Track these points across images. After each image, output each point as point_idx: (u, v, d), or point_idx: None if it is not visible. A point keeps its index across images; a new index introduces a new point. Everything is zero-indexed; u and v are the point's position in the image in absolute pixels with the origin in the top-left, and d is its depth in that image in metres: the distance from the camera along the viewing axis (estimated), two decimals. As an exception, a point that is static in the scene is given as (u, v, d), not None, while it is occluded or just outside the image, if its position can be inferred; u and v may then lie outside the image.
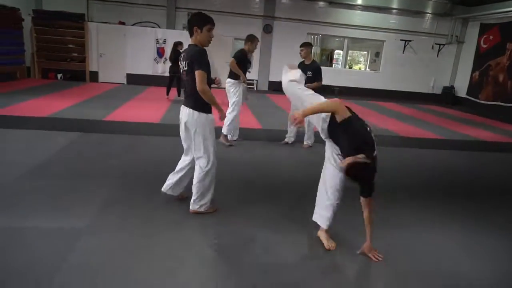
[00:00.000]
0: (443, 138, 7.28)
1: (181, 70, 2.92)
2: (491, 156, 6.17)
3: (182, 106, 2.99)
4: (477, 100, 13.00)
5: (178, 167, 3.23)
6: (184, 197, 3.28)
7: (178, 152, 4.80)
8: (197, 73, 2.74)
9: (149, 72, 11.77)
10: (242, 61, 5.29)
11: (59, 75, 11.34)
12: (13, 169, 3.66)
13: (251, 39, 5.31)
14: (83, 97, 8.44)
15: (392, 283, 2.39)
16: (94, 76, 11.61)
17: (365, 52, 17.26)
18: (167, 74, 9.64)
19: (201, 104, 2.85)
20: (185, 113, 2.93)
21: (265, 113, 8.29)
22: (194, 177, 3.01)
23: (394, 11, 13.39)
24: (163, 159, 4.47)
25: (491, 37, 12.61)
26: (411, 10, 13.26)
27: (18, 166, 3.76)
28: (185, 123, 2.95)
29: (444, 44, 13.90)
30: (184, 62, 2.85)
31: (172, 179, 3.21)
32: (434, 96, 14.34)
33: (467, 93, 13.58)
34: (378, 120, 8.64)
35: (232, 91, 5.33)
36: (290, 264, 2.49)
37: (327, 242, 2.70)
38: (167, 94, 9.27)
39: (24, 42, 10.73)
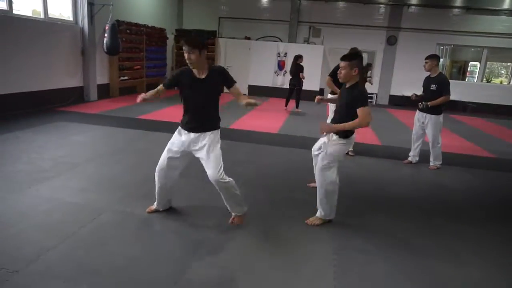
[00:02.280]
0: None
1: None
2: None
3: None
4: None
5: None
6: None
7: (294, 161, 4.95)
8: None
9: (269, 83, 12.36)
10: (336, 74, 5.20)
11: (191, 86, 12.76)
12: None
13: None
14: (210, 106, 9.32)
15: None
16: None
17: (509, 64, 14.93)
18: (286, 86, 10.00)
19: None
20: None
21: (384, 128, 7.86)
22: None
23: (552, 14, 11.31)
24: (281, 168, 4.63)
25: None
26: None
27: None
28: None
29: None
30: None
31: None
32: None
33: None
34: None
35: None
36: None
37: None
38: (286, 105, 9.58)
39: (167, 57, 12.44)
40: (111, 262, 2.38)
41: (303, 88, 9.44)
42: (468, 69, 15.22)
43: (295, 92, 9.31)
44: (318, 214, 3.17)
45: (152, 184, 3.75)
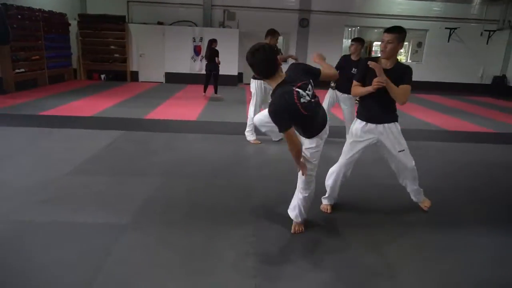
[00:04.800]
0: (492, 132, 6.81)
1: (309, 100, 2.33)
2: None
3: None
4: (533, 90, 12.03)
5: None
6: None
7: (214, 149, 4.88)
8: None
9: (186, 70, 11.99)
10: None
11: (102, 76, 11.85)
12: (62, 166, 3.86)
13: (271, 34, 5.04)
14: (124, 96, 8.76)
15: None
16: (134, 75, 12.02)
17: (406, 43, 16.52)
18: (204, 72, 9.75)
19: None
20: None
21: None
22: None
23: (438, -3, 12.69)
24: (200, 156, 4.53)
25: (548, 21, 11.60)
26: (457, -5, 12.51)
27: (66, 163, 3.96)
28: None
29: (494, 31, 12.96)
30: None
31: None
32: (483, 87, 13.44)
33: (521, 83, 12.61)
34: (421, 113, 8.23)
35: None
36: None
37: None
38: (204, 91, 9.41)
39: (71, 45, 11.31)
40: (11, 279, 2.09)
41: (220, 73, 9.34)
42: (373, 49, 16.54)
43: (212, 77, 9.17)
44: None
45: (54, 187, 3.40)
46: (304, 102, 2.28)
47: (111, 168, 3.95)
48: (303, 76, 2.34)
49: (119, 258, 2.35)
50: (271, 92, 2.36)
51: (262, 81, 5.14)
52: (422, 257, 2.55)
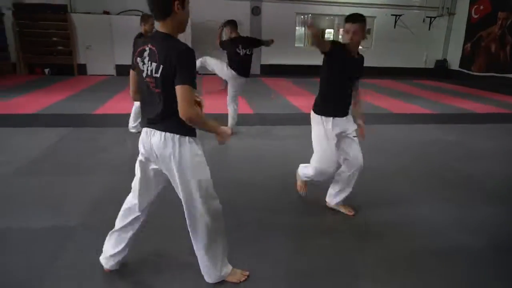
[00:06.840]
0: (436, 113, 7.27)
1: (144, 75, 1.77)
2: (483, 127, 6.16)
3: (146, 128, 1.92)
4: (470, 72, 12.95)
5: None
6: None
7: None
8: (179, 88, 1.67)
9: (137, 62, 11.57)
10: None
11: (46, 70, 11.13)
12: (2, 168, 3.61)
13: (144, 19, 4.72)
14: (72, 91, 8.31)
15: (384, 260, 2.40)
16: (82, 69, 11.41)
17: (356, 30, 17.03)
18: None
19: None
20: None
21: (257, 96, 8.21)
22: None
23: (383, -15, 13.18)
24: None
25: (481, 7, 12.47)
26: (401, -17, 13.06)
27: (7, 165, 3.71)
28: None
29: (435, 17, 13.73)
30: (153, 64, 1.72)
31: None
32: (427, 71, 14.26)
33: (460, 66, 13.52)
34: (371, 98, 8.58)
35: None
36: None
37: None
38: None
39: (7, 37, 10.49)
40: None
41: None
42: (326, 36, 16.90)
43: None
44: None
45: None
46: (139, 64, 1.80)
47: (57, 167, 3.75)
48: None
49: (68, 262, 2.26)
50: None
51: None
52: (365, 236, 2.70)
